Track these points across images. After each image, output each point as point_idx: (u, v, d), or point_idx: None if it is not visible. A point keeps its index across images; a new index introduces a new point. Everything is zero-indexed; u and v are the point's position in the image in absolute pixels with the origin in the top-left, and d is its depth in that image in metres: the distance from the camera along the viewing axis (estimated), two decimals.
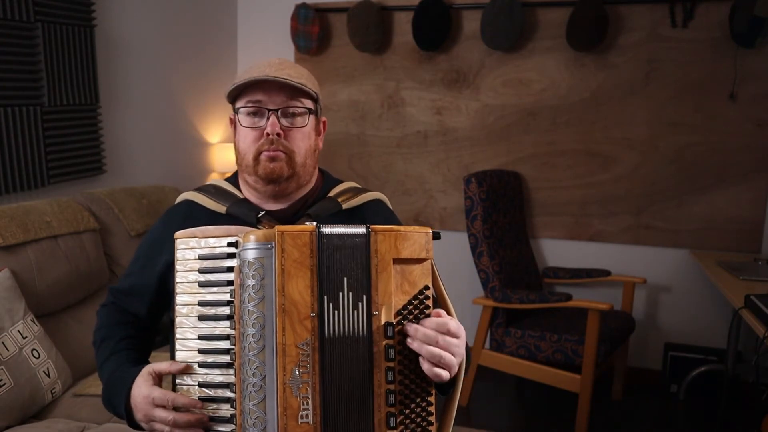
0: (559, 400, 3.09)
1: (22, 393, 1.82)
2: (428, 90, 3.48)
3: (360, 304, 0.96)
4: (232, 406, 1.00)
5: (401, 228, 0.98)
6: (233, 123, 1.22)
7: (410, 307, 0.98)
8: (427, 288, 1.00)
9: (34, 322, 1.97)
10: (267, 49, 3.72)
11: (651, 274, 3.25)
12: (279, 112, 1.15)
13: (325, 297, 0.95)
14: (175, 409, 1.01)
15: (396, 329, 0.97)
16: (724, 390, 2.94)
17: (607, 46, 3.16)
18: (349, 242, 0.97)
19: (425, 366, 0.96)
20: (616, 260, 3.31)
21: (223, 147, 3.57)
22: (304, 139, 1.18)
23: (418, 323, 0.98)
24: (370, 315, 0.96)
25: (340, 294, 0.96)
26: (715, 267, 2.80)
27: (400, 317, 0.97)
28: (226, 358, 1.01)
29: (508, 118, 3.38)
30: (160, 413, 1.00)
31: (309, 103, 1.19)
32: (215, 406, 1.01)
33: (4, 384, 1.77)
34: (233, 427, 0.99)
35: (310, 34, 3.51)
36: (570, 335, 2.75)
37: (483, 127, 3.43)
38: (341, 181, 1.32)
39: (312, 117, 1.20)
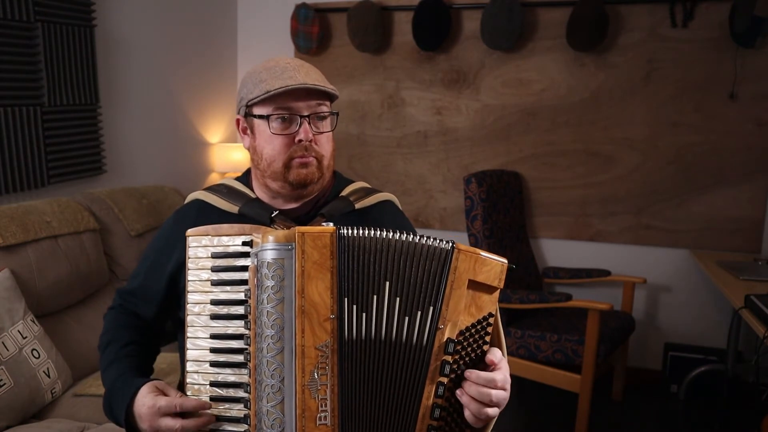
0: (559, 400, 3.09)
1: (22, 393, 1.82)
2: (428, 90, 3.48)
3: (419, 313, 0.96)
4: (245, 406, 0.99)
5: (481, 252, 0.98)
6: (245, 126, 1.20)
7: (472, 330, 0.98)
8: (491, 315, 1.00)
9: (34, 322, 1.97)
10: (267, 49, 3.72)
11: (651, 274, 3.25)
12: (309, 118, 1.14)
13: (346, 299, 0.95)
14: (183, 414, 1.00)
15: (456, 347, 0.97)
16: (724, 390, 2.94)
17: (607, 46, 3.16)
18: (410, 249, 0.97)
19: (468, 414, 0.97)
20: (616, 260, 3.31)
21: (223, 147, 3.57)
22: (329, 142, 1.19)
23: (477, 352, 0.98)
24: (434, 327, 0.96)
25: (374, 297, 0.96)
26: (715, 267, 2.80)
27: (461, 337, 0.97)
28: (238, 358, 1.00)
29: (508, 118, 3.38)
30: (167, 421, 0.99)
31: (329, 106, 1.19)
32: (227, 405, 1.00)
33: (4, 384, 1.77)
34: (246, 427, 0.98)
35: (310, 34, 3.51)
36: (570, 335, 2.75)
37: (483, 127, 3.43)
38: (352, 181, 1.32)
39: (334, 119, 1.20)
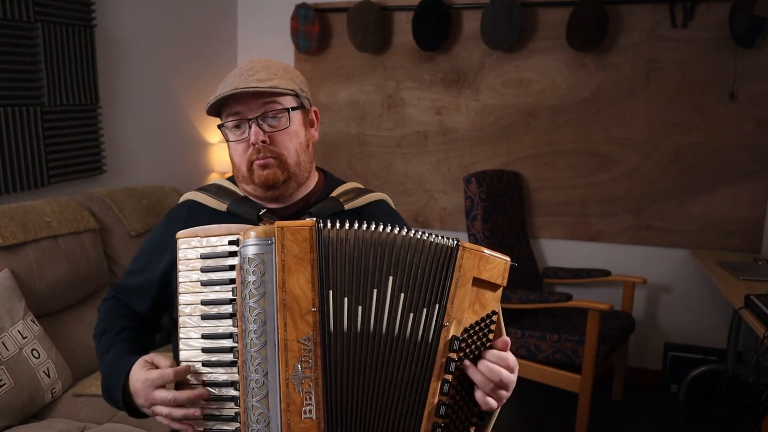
0: (559, 400, 3.09)
1: (22, 393, 1.82)
2: (428, 90, 3.48)
3: (425, 310, 0.96)
4: (236, 404, 0.99)
5: (484, 250, 0.98)
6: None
7: (476, 328, 0.98)
8: (494, 313, 1.00)
9: (34, 322, 1.97)
10: (267, 49, 3.72)
11: (651, 274, 3.25)
12: (259, 119, 1.14)
13: (331, 292, 0.95)
14: (177, 387, 1.01)
15: (461, 344, 0.97)
16: (724, 390, 2.94)
17: (607, 46, 3.16)
18: (416, 245, 0.97)
19: (478, 395, 0.98)
20: (616, 260, 3.31)
21: (223, 147, 3.57)
22: (291, 139, 1.17)
23: (481, 349, 0.99)
24: (440, 325, 0.96)
25: (374, 291, 0.96)
26: (715, 267, 2.80)
27: (465, 334, 0.98)
28: (229, 357, 1.01)
29: (508, 118, 3.38)
30: (160, 393, 1.00)
31: (289, 101, 1.17)
32: (220, 405, 1.01)
33: (4, 384, 1.77)
34: (238, 425, 0.98)
35: (310, 34, 3.51)
36: (570, 335, 2.75)
37: (483, 127, 3.43)
38: (344, 182, 1.32)
39: (296, 113, 1.18)
